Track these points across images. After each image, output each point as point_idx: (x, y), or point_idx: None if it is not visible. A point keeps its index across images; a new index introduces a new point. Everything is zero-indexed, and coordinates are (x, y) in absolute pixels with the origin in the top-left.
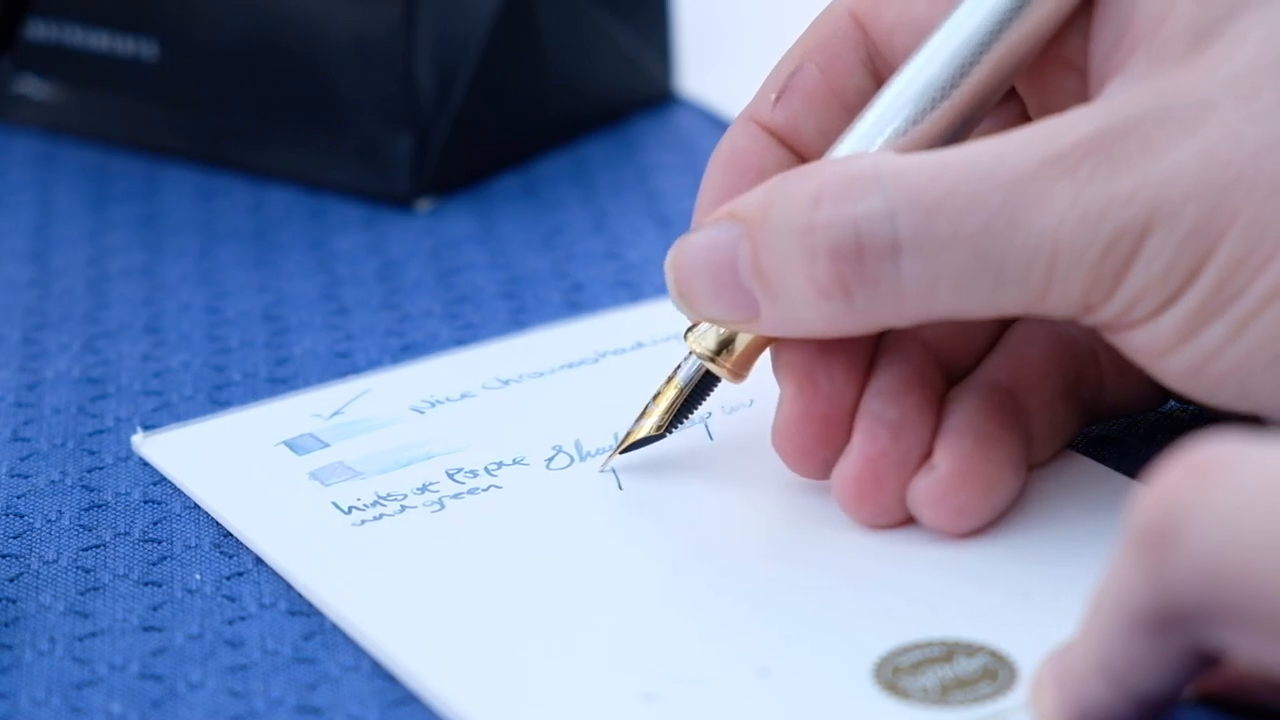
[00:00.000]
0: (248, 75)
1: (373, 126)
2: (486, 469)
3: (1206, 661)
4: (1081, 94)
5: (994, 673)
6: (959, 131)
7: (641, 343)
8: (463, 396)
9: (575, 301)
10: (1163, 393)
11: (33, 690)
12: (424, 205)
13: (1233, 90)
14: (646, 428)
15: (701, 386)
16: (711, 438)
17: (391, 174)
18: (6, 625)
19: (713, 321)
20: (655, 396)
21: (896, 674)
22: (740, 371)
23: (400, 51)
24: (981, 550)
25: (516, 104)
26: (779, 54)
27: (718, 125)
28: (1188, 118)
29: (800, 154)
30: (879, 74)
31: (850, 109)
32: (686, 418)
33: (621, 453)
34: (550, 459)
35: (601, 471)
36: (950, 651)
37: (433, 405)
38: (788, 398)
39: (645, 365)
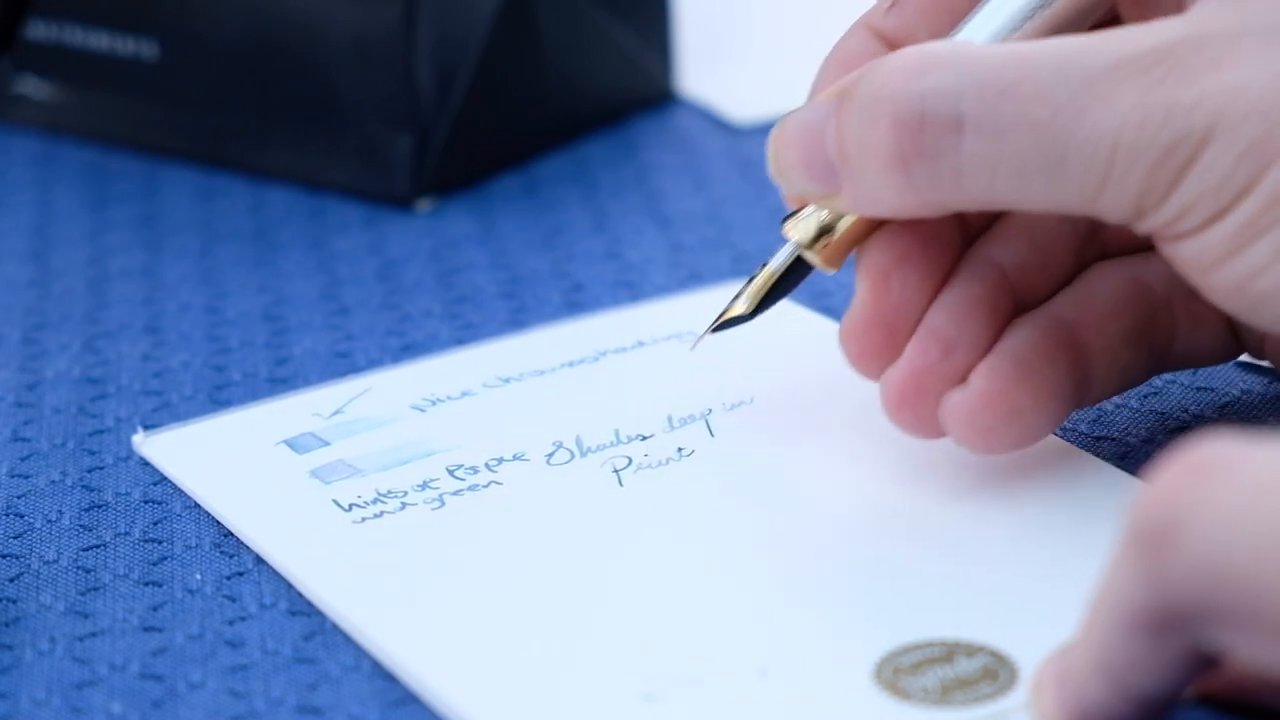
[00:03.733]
0: (248, 75)
1: (373, 126)
2: (487, 465)
3: (1207, 662)
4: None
5: (994, 673)
6: None
7: (642, 341)
8: (463, 395)
9: (575, 301)
10: (1235, 346)
11: (33, 690)
12: (424, 205)
13: None
14: (738, 308)
15: (794, 273)
16: (712, 434)
17: (391, 174)
18: (7, 625)
19: (802, 194)
20: (749, 281)
21: (897, 674)
22: (834, 260)
23: (400, 51)
24: (981, 550)
25: (516, 104)
26: (779, 54)
27: (718, 125)
28: (1262, 38)
29: None
30: None
31: (959, 17)
32: (774, 302)
33: (713, 331)
34: (550, 454)
35: (690, 351)
36: (950, 651)
37: (433, 403)
38: (860, 297)
39: (646, 364)
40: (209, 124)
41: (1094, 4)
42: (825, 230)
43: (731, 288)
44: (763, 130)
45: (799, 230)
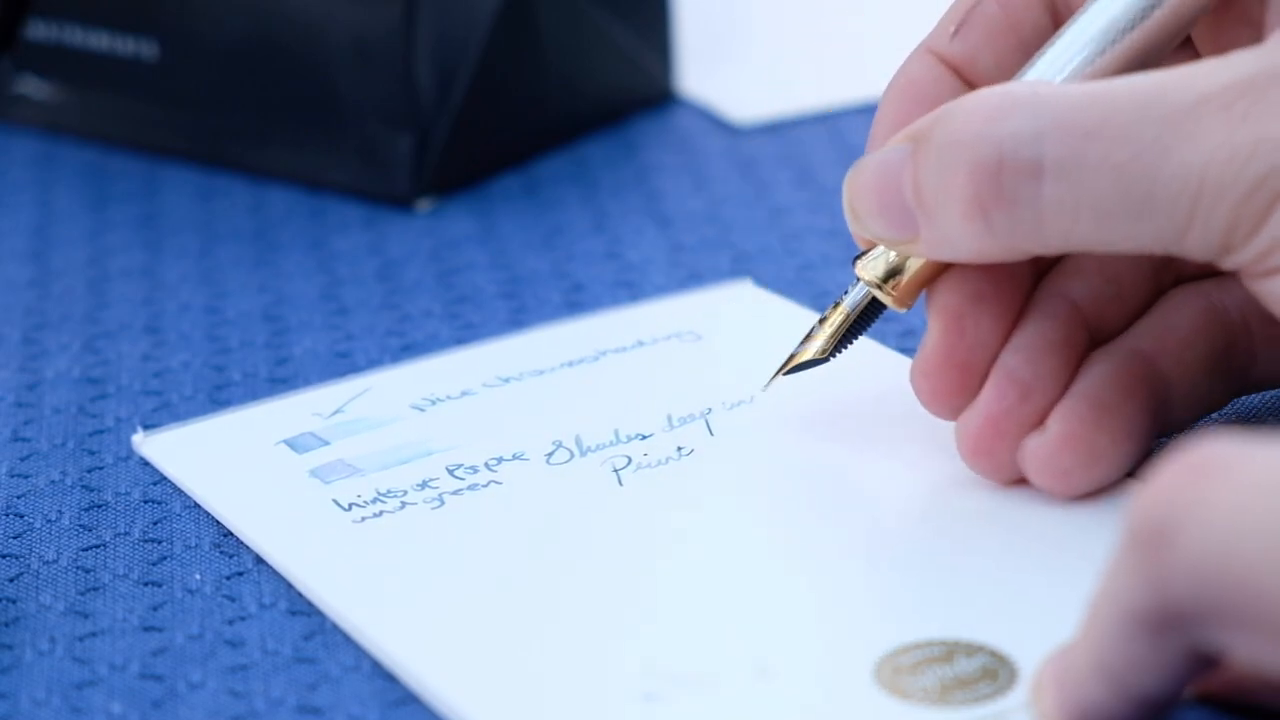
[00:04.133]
0: (248, 75)
1: (373, 126)
2: (486, 464)
3: (1206, 662)
4: None
5: (994, 673)
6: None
7: (642, 341)
8: (463, 394)
9: (575, 301)
10: None
11: (33, 690)
12: (424, 205)
13: None
14: (811, 350)
15: (867, 313)
16: (712, 433)
17: (391, 174)
18: (6, 625)
19: (879, 240)
20: (821, 320)
21: (896, 674)
22: (906, 300)
23: (400, 51)
24: (981, 550)
25: (516, 104)
26: (779, 54)
27: (718, 125)
28: None
29: (975, 86)
30: (1057, 12)
31: (1027, 45)
32: (850, 343)
33: (786, 374)
34: (550, 454)
35: (762, 391)
36: (950, 651)
37: (433, 403)
38: (933, 338)
39: (646, 363)
40: (209, 124)
41: (1169, 37)
42: (894, 270)
43: (730, 286)
44: (763, 130)
45: (869, 270)
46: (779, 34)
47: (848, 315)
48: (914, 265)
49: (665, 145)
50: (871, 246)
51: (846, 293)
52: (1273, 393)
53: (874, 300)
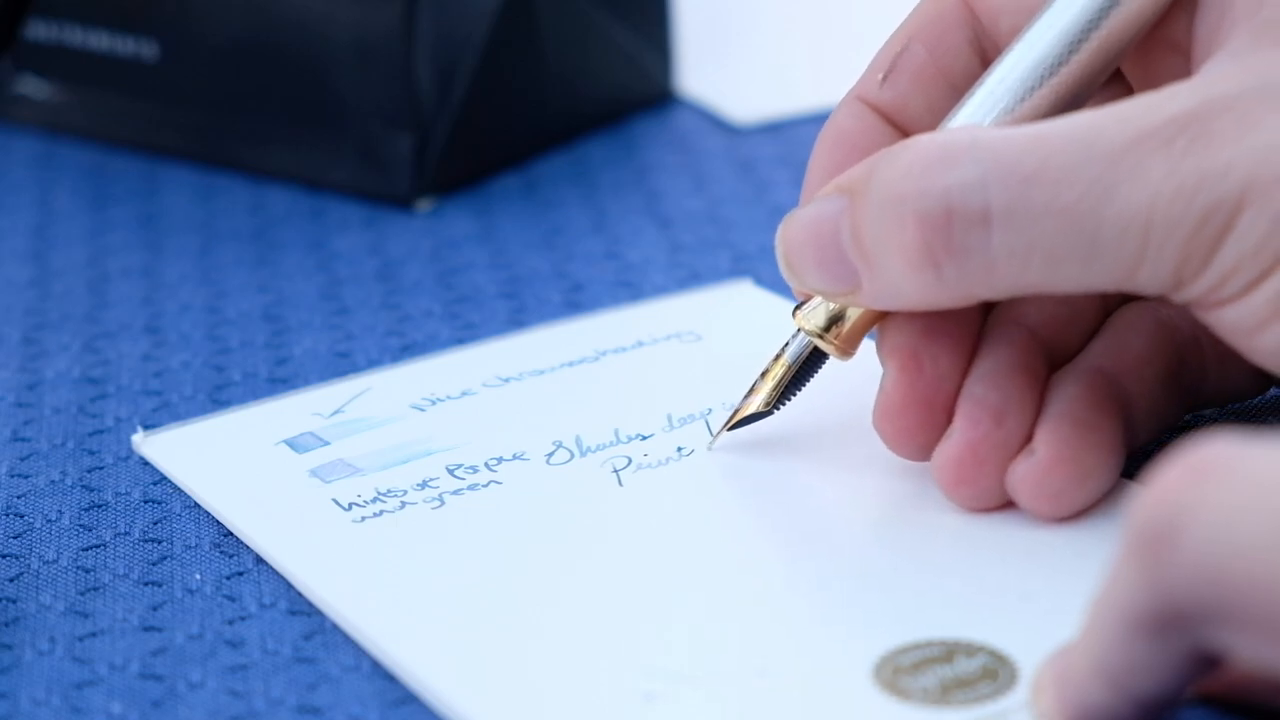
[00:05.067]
0: (248, 75)
1: (373, 126)
2: (486, 464)
3: (1207, 663)
4: (1186, 76)
5: (994, 673)
6: (1066, 110)
7: (642, 341)
8: (463, 394)
9: (575, 301)
10: (1265, 380)
11: (33, 690)
12: (424, 205)
13: None
14: (755, 405)
15: (809, 364)
16: (712, 433)
17: (391, 174)
18: (6, 625)
19: (817, 293)
20: (763, 374)
21: (896, 674)
22: (848, 349)
23: (400, 51)
24: (981, 550)
25: (516, 104)
26: (779, 54)
27: (718, 125)
28: None
29: (907, 133)
30: (986, 55)
31: (957, 89)
32: (794, 395)
33: (730, 429)
34: (550, 454)
35: (709, 450)
36: (950, 651)
37: (433, 403)
38: (890, 379)
39: (646, 363)
40: (209, 124)
41: (1098, 72)
42: (835, 318)
43: (730, 286)
44: (762, 130)
45: (809, 320)
46: (779, 34)
47: (789, 367)
48: (854, 313)
49: (665, 145)
50: (810, 297)
51: (787, 344)
52: (1275, 392)
53: (816, 350)
